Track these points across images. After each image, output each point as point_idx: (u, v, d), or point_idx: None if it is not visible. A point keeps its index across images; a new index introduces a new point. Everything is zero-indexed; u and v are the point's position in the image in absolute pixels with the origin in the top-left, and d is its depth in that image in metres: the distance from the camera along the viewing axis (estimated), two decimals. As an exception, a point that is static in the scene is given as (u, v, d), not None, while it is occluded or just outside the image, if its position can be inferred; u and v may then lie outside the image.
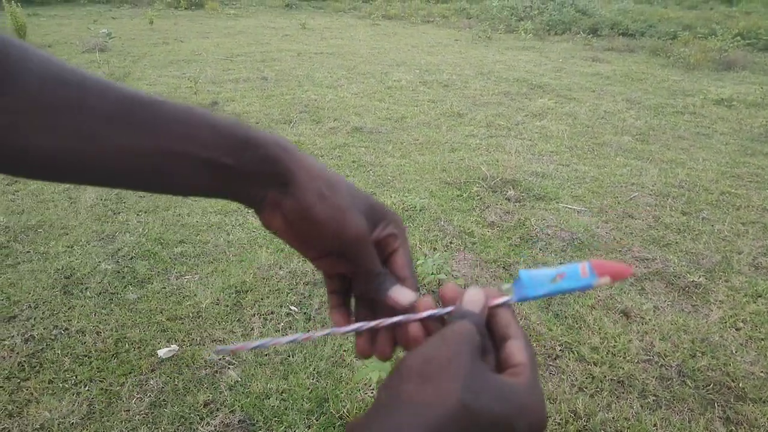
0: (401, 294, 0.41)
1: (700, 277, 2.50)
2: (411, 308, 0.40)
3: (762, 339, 2.10)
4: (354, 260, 0.40)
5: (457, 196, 3.32)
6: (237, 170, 0.38)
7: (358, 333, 0.42)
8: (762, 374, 1.90)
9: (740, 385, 1.85)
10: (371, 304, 0.44)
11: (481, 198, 3.29)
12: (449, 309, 0.39)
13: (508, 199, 3.28)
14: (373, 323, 0.41)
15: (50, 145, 0.34)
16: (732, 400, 1.80)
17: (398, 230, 0.43)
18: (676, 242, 2.84)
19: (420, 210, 3.08)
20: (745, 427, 1.69)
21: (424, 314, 0.40)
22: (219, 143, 0.38)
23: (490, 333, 0.38)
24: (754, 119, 5.23)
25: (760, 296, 2.37)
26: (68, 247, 2.61)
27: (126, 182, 0.38)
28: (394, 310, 0.41)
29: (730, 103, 5.83)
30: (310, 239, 0.40)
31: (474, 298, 0.38)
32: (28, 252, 2.55)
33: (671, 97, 6.11)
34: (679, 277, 2.50)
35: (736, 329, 2.16)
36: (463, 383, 0.32)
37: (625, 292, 2.37)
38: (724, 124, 5.11)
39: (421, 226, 2.90)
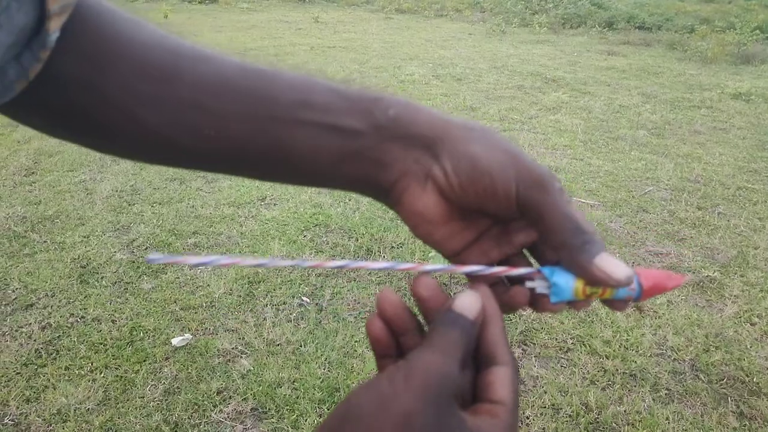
0: (614, 266, 0.31)
1: (715, 272, 2.47)
2: (626, 284, 0.31)
3: (778, 334, 2.08)
4: (546, 213, 0.31)
5: (470, 189, 3.31)
6: (368, 135, 0.32)
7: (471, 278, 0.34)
8: (777, 369, 1.89)
9: (754, 379, 1.84)
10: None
11: (493, 191, 3.27)
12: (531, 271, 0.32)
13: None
14: (495, 269, 0.33)
15: (155, 119, 0.31)
16: (746, 394, 1.78)
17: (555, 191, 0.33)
18: (691, 237, 2.81)
19: (432, 203, 3.08)
20: (759, 422, 1.67)
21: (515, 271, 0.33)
22: (343, 106, 0.32)
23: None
24: (773, 114, 5.15)
25: (776, 291, 2.35)
26: (84, 237, 2.64)
27: (242, 160, 0.34)
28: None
29: (748, 97, 5.74)
30: (480, 204, 0.32)
31: (470, 302, 0.30)
32: (45, 242, 2.59)
33: (688, 92, 6.03)
34: (694, 272, 2.47)
35: (751, 324, 2.13)
36: None
37: (638, 286, 2.35)
38: (741, 118, 5.03)
39: (433, 219, 2.90)
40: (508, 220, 0.34)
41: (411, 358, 0.27)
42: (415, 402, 0.25)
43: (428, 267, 0.33)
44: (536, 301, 0.34)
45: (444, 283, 2.31)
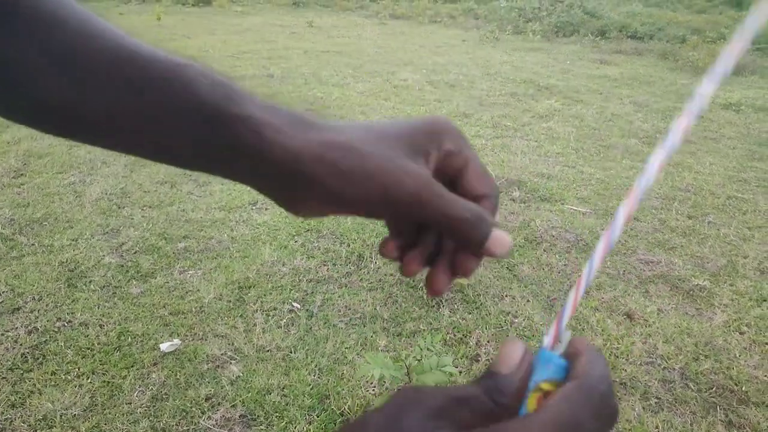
0: (499, 241, 0.32)
1: (704, 280, 2.49)
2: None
3: (766, 343, 2.09)
4: (428, 218, 0.31)
5: (462, 195, 3.31)
6: (216, 148, 0.31)
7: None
8: (765, 378, 1.89)
9: (743, 388, 1.84)
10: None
11: (485, 198, 3.28)
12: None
13: (513, 200, 3.27)
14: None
15: (66, 96, 0.30)
16: (735, 403, 1.79)
17: (455, 143, 0.33)
18: (682, 246, 2.82)
19: (424, 209, 3.07)
20: (747, 430, 1.68)
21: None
22: (193, 114, 0.31)
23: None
24: (763, 124, 5.20)
25: (765, 300, 2.36)
26: (73, 240, 2.62)
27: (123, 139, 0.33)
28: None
29: (738, 107, 5.80)
30: (361, 214, 0.32)
31: (507, 356, 0.28)
32: (33, 245, 2.56)
33: (679, 101, 6.08)
34: (684, 281, 2.48)
35: (740, 333, 2.14)
36: None
37: (629, 295, 2.36)
38: (731, 128, 5.08)
39: (425, 225, 2.89)
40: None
41: (412, 390, 0.27)
42: None
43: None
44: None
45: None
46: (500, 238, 0.32)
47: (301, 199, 0.32)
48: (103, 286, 2.28)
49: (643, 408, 1.76)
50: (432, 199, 0.30)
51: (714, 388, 1.85)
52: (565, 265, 2.58)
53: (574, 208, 3.21)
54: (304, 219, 0.34)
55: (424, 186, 0.30)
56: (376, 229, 2.82)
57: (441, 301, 2.24)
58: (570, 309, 0.30)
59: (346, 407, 1.70)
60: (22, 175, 3.34)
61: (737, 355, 2.02)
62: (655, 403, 1.79)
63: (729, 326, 2.18)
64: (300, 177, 0.31)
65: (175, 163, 0.33)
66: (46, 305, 2.14)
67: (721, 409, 1.77)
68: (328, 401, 1.73)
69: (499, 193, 0.34)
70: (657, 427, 1.69)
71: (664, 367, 1.94)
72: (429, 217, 0.31)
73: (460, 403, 0.27)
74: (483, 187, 0.33)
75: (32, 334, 1.99)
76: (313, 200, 0.32)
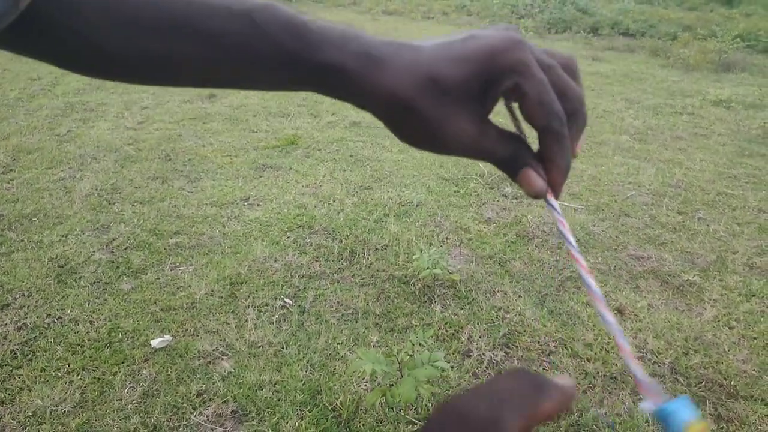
0: (533, 180, 0.33)
1: (694, 276, 2.50)
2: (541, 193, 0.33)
3: (755, 338, 2.11)
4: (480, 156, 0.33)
5: (454, 192, 3.32)
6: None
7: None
8: (754, 372, 1.91)
9: (732, 382, 1.86)
10: None
11: (478, 194, 3.28)
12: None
13: (505, 196, 3.28)
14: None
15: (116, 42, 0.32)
16: (723, 397, 1.80)
17: (522, 75, 0.31)
18: (672, 241, 2.84)
19: (417, 205, 3.08)
20: (735, 424, 1.69)
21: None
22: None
23: None
24: (752, 120, 5.24)
25: (753, 295, 2.38)
26: (63, 236, 2.60)
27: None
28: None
29: (728, 104, 5.83)
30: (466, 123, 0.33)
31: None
32: (23, 241, 2.54)
33: (670, 98, 6.11)
34: (674, 276, 2.50)
35: (730, 328, 2.16)
36: None
37: (619, 290, 2.37)
38: (722, 125, 5.11)
39: (418, 221, 2.89)
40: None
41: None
42: None
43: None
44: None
45: (428, 286, 2.31)
46: (534, 178, 0.33)
47: (407, 127, 0.33)
48: (94, 282, 2.26)
49: (633, 402, 1.77)
50: (478, 146, 0.33)
51: (703, 383, 1.87)
52: (556, 260, 2.59)
53: (566, 204, 3.22)
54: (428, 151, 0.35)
55: (472, 138, 0.33)
56: (368, 225, 2.82)
57: (433, 296, 2.24)
58: (631, 359, 0.30)
59: (338, 402, 1.70)
60: (11, 170, 3.31)
61: (726, 350, 2.03)
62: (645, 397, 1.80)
63: (718, 321, 2.20)
64: (396, 107, 0.32)
65: (257, 88, 0.35)
66: (36, 301, 2.13)
67: (710, 403, 1.78)
68: (320, 396, 1.73)
69: (563, 121, 0.33)
70: (647, 421, 1.70)
71: (654, 362, 1.96)
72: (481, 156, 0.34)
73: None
74: (542, 118, 0.32)
75: (21, 331, 1.97)
76: (418, 125, 0.33)
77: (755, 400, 1.80)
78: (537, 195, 0.33)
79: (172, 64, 0.33)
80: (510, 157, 0.33)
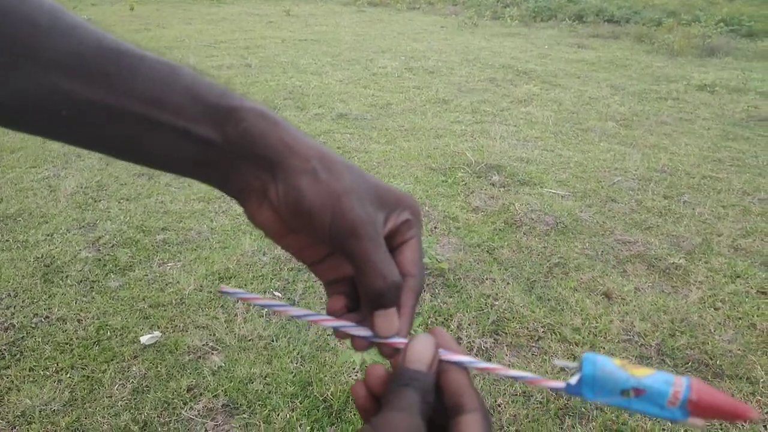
0: (385, 322, 0.33)
1: (680, 258, 2.53)
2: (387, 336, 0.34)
3: (740, 318, 2.14)
4: (354, 259, 0.32)
5: (442, 181, 3.32)
6: (218, 146, 0.32)
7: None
8: (739, 352, 1.94)
9: (718, 362, 1.89)
10: None
11: (465, 183, 3.29)
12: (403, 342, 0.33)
13: (493, 184, 3.29)
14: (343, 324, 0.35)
15: (5, 92, 0.29)
16: (709, 377, 1.83)
17: (414, 217, 0.35)
18: (658, 225, 2.87)
19: (405, 195, 3.07)
20: (721, 404, 1.72)
21: (362, 332, 0.34)
22: (197, 111, 0.32)
23: (439, 393, 0.32)
24: (736, 104, 5.28)
25: (738, 277, 2.41)
26: (48, 235, 2.57)
27: (98, 145, 0.33)
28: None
29: (712, 88, 5.88)
30: (303, 234, 0.34)
31: (421, 351, 0.31)
32: (7, 240, 2.52)
33: (655, 83, 6.15)
34: (660, 259, 2.53)
35: (715, 309, 2.19)
36: None
37: (607, 275, 2.39)
38: (706, 109, 5.15)
39: (406, 212, 2.90)
40: None
41: (375, 420, 0.28)
42: None
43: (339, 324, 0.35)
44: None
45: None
46: (391, 320, 0.33)
47: (269, 196, 0.33)
48: (81, 281, 2.25)
49: (621, 384, 1.79)
50: (367, 238, 0.32)
51: (690, 363, 1.89)
52: (544, 247, 2.61)
53: (553, 191, 3.24)
54: (257, 227, 0.35)
55: (369, 224, 0.32)
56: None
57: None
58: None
59: (329, 393, 1.70)
60: (-7, 170, 3.27)
61: (712, 331, 2.06)
62: (633, 379, 1.82)
63: (704, 303, 2.23)
64: (281, 169, 0.32)
65: (150, 162, 0.34)
66: (22, 301, 2.11)
67: (696, 383, 1.81)
68: (311, 388, 1.73)
69: (423, 285, 0.36)
70: (635, 403, 1.72)
71: (641, 344, 1.98)
72: (356, 251, 0.32)
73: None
74: (414, 267, 0.35)
75: (8, 331, 1.96)
76: (278, 199, 0.33)
77: (740, 378, 1.82)
78: (389, 334, 0.34)
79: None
80: (395, 286, 0.33)
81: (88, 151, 0.34)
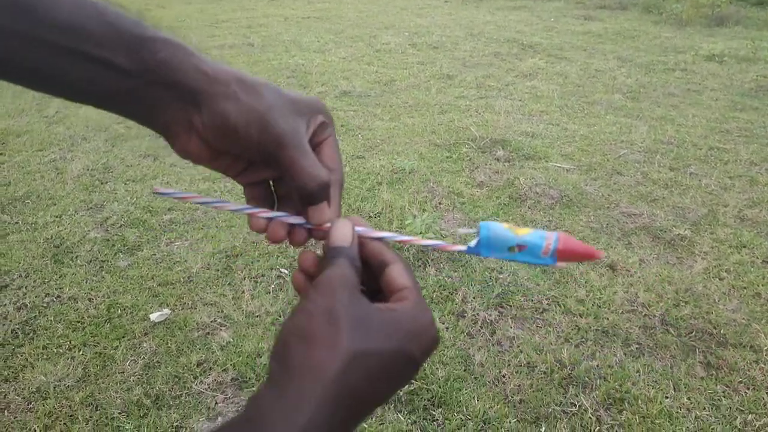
0: (318, 214, 0.38)
1: (685, 230, 2.53)
2: (323, 226, 0.38)
3: (744, 287, 2.14)
4: (283, 167, 0.36)
5: (447, 157, 3.31)
6: (135, 77, 0.33)
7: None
8: (743, 321, 1.95)
9: (722, 331, 1.90)
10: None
11: (470, 159, 3.28)
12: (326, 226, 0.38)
13: (498, 159, 3.28)
14: (283, 215, 0.39)
15: None
16: (713, 346, 1.84)
17: (328, 119, 0.39)
18: (663, 197, 2.85)
19: (409, 172, 3.08)
20: (725, 371, 1.74)
21: (297, 220, 0.39)
22: (113, 41, 0.32)
23: (365, 263, 0.37)
24: (745, 74, 5.20)
25: (744, 247, 2.41)
26: (56, 217, 2.60)
27: (7, 72, 0.33)
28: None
29: (721, 58, 5.78)
30: (231, 154, 0.36)
31: (342, 231, 0.37)
32: (17, 223, 2.55)
33: (662, 54, 6.05)
34: (665, 231, 2.52)
35: (720, 279, 2.20)
36: (348, 331, 0.30)
37: (612, 247, 2.40)
38: (714, 80, 5.08)
39: (411, 188, 2.90)
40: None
41: (315, 282, 0.34)
42: (329, 298, 0.32)
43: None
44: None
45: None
46: (323, 211, 0.38)
47: (195, 125, 0.35)
48: (90, 261, 2.28)
49: (625, 354, 1.81)
50: (293, 146, 0.35)
51: (693, 332, 1.91)
52: (549, 221, 2.61)
53: (558, 164, 3.22)
54: (183, 158, 0.38)
55: (294, 134, 0.35)
56: (361, 194, 2.83)
57: (427, 260, 2.26)
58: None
59: (336, 366, 1.73)
60: (1, 154, 3.29)
61: (716, 300, 2.07)
62: (636, 348, 1.84)
63: (709, 273, 2.23)
64: (203, 97, 0.34)
65: (73, 93, 0.34)
66: (34, 282, 2.15)
67: (700, 352, 1.82)
68: (318, 361, 1.76)
69: (344, 177, 0.41)
70: (638, 371, 1.74)
71: (645, 314, 1.99)
72: (286, 160, 0.35)
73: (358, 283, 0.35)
74: (334, 162, 0.39)
75: (21, 311, 2.00)
76: (203, 127, 0.35)
77: (744, 347, 1.84)
78: (322, 222, 0.38)
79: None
80: (324, 185, 0.37)
81: (10, 83, 0.34)
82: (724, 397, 1.65)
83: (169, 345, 1.84)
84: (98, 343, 1.85)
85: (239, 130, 0.34)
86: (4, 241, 2.41)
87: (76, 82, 0.33)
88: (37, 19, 0.31)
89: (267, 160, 0.36)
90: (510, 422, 1.57)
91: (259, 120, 0.34)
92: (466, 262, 2.28)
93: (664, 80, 5.05)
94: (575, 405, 1.63)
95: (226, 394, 1.65)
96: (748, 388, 1.68)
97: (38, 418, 1.57)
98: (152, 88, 0.33)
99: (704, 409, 1.62)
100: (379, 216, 2.62)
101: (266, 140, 0.34)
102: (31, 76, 0.33)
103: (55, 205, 2.71)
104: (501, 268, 2.24)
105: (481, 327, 1.93)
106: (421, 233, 2.27)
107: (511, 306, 2.04)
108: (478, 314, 1.98)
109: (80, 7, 0.32)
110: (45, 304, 2.03)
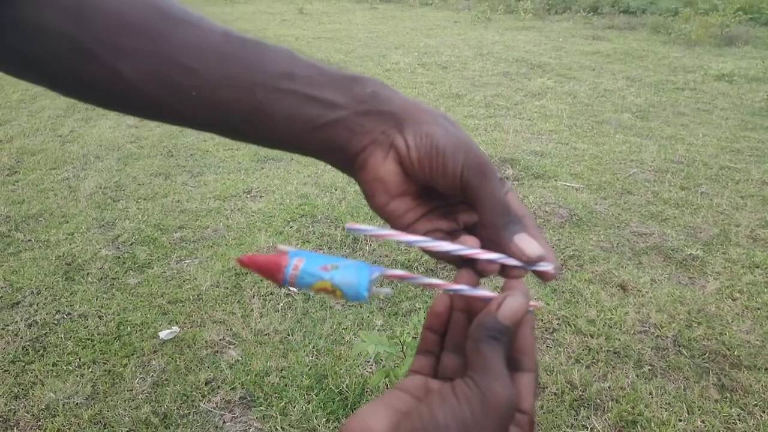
0: (528, 244, 0.35)
1: (697, 250, 2.50)
2: (537, 261, 0.35)
3: (758, 308, 2.11)
4: (481, 196, 0.35)
5: (456, 176, 3.32)
6: (344, 107, 0.35)
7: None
8: (757, 342, 1.92)
9: (735, 353, 1.87)
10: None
11: (479, 177, 3.28)
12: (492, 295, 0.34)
13: (507, 178, 3.28)
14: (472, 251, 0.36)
15: (136, 75, 0.33)
16: (727, 367, 1.81)
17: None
18: (674, 217, 2.84)
19: (418, 190, 3.08)
20: (739, 393, 1.71)
21: (479, 293, 0.35)
22: (324, 81, 0.35)
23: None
24: (755, 94, 5.19)
25: (757, 267, 2.38)
26: (69, 234, 2.63)
27: (223, 121, 0.36)
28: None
29: (731, 78, 5.78)
30: (431, 179, 0.36)
31: (518, 306, 0.32)
32: (30, 240, 2.58)
33: (672, 74, 6.06)
34: (677, 251, 2.50)
35: (733, 299, 2.17)
36: None
37: (622, 267, 2.38)
38: (724, 99, 5.07)
39: (419, 207, 2.90)
40: (455, 202, 0.38)
41: (482, 386, 0.29)
42: (495, 427, 0.29)
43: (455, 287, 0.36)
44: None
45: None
46: (530, 241, 0.35)
47: (397, 146, 0.36)
48: (101, 278, 2.30)
49: (637, 376, 1.79)
50: (495, 178, 0.35)
51: (707, 354, 1.88)
52: (558, 240, 2.60)
53: (568, 183, 3.22)
54: (368, 187, 0.38)
55: (494, 169, 0.36)
56: (370, 213, 2.83)
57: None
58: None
59: (344, 386, 1.72)
60: (16, 172, 3.35)
61: (730, 321, 2.04)
62: (649, 370, 1.81)
63: (721, 293, 2.21)
64: (410, 123, 0.35)
65: (270, 131, 0.36)
66: (45, 299, 2.16)
67: (713, 374, 1.79)
68: (326, 381, 1.75)
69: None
70: (651, 394, 1.71)
71: (657, 335, 1.97)
72: (483, 191, 0.35)
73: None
74: (523, 209, 0.38)
75: (32, 328, 2.01)
76: (407, 146, 0.35)
77: (758, 369, 1.80)
78: (534, 254, 0.35)
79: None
80: (518, 218, 0.36)
81: (207, 130, 0.37)
82: (739, 420, 1.62)
83: (177, 363, 1.84)
84: (107, 360, 1.86)
85: (447, 153, 0.35)
86: (17, 258, 2.43)
87: (277, 118, 0.35)
88: (249, 68, 0.34)
89: (466, 188, 0.35)
90: (520, 444, 1.54)
91: (466, 147, 0.35)
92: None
93: (673, 99, 5.05)
94: (587, 428, 1.60)
95: (234, 413, 1.65)
96: (764, 411, 1.65)
97: (46, 436, 1.57)
98: (358, 117, 0.35)
99: (719, 432, 1.58)
100: (388, 234, 2.62)
101: (471, 166, 0.35)
102: (244, 120, 0.35)
103: (67, 222, 2.74)
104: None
105: (490, 347, 1.91)
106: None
107: (520, 326, 2.02)
108: (487, 334, 1.96)
109: (284, 54, 0.35)
110: (55, 321, 2.05)
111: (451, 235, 0.38)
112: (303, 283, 0.33)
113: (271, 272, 0.33)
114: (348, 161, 0.37)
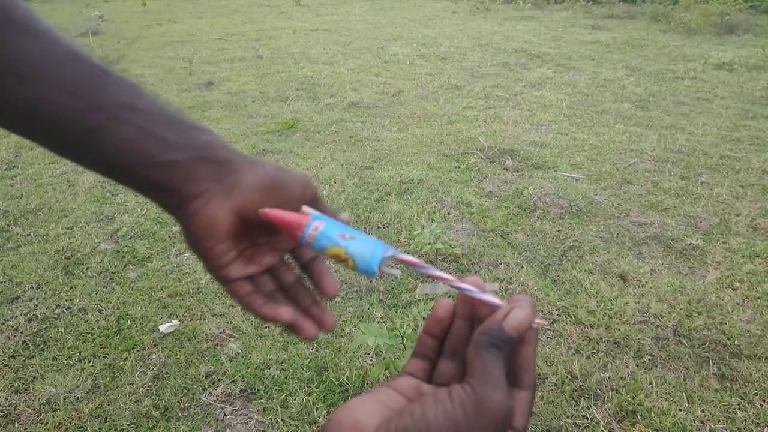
0: (329, 282, 0.43)
1: (697, 239, 2.50)
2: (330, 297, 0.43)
3: (758, 297, 2.11)
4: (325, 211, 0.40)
5: (455, 167, 3.31)
6: (182, 152, 0.36)
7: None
8: (757, 331, 1.92)
9: (735, 342, 1.87)
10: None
11: (479, 169, 3.28)
12: (500, 304, 0.34)
13: (506, 169, 3.27)
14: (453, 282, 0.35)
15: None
16: (727, 357, 1.81)
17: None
18: (674, 206, 2.83)
19: (418, 183, 3.08)
20: (739, 383, 1.71)
21: (487, 298, 0.34)
22: (163, 120, 0.36)
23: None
24: (756, 82, 5.17)
25: (757, 256, 2.38)
26: (68, 228, 2.63)
27: (54, 137, 0.35)
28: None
29: (731, 66, 5.75)
30: (257, 227, 0.39)
31: (522, 321, 0.31)
32: (29, 235, 2.57)
33: (672, 63, 6.03)
34: (677, 240, 2.50)
35: (733, 289, 2.17)
36: None
37: (622, 257, 2.38)
38: (724, 88, 5.05)
39: (419, 199, 2.90)
40: (262, 242, 0.41)
41: (480, 391, 0.29)
42: None
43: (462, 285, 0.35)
44: None
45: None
46: (331, 280, 0.43)
47: (229, 191, 0.38)
48: (100, 272, 2.29)
49: (637, 365, 1.79)
50: (322, 200, 0.41)
51: (707, 343, 1.88)
52: (558, 231, 2.59)
53: (567, 174, 3.21)
54: (197, 231, 0.39)
55: (321, 198, 0.41)
56: (370, 205, 2.83)
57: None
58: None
59: (345, 378, 1.72)
60: (14, 167, 3.34)
61: (730, 311, 2.04)
62: (649, 360, 1.81)
63: (722, 283, 2.21)
64: (245, 167, 0.38)
65: (103, 159, 0.37)
66: (45, 293, 2.16)
67: (713, 363, 1.79)
68: (327, 373, 1.75)
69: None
70: (651, 383, 1.72)
71: (657, 325, 1.97)
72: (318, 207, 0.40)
73: None
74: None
75: (32, 322, 2.01)
76: (247, 185, 0.38)
77: (759, 358, 1.81)
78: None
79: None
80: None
81: (40, 146, 0.37)
82: (739, 409, 1.62)
83: (178, 356, 1.84)
84: (108, 354, 1.86)
85: (285, 185, 0.38)
86: (16, 252, 2.43)
87: (119, 150, 0.35)
88: (96, 92, 0.34)
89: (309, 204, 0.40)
90: (520, 435, 1.54)
91: (302, 178, 0.40)
92: (476, 272, 2.27)
93: (673, 89, 5.02)
94: (587, 418, 1.60)
95: (235, 406, 1.65)
96: (764, 401, 1.65)
97: (48, 430, 1.57)
98: (195, 163, 0.36)
99: (719, 422, 1.59)
100: (387, 227, 2.62)
101: (308, 195, 0.40)
102: (76, 142, 0.35)
103: (66, 217, 2.74)
104: (510, 278, 2.23)
105: (490, 338, 1.91)
106: (429, 243, 2.27)
107: (520, 317, 2.02)
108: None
109: (132, 87, 0.36)
110: (55, 316, 2.05)
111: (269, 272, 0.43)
112: (319, 245, 0.35)
113: (292, 228, 0.36)
114: (177, 204, 0.37)
